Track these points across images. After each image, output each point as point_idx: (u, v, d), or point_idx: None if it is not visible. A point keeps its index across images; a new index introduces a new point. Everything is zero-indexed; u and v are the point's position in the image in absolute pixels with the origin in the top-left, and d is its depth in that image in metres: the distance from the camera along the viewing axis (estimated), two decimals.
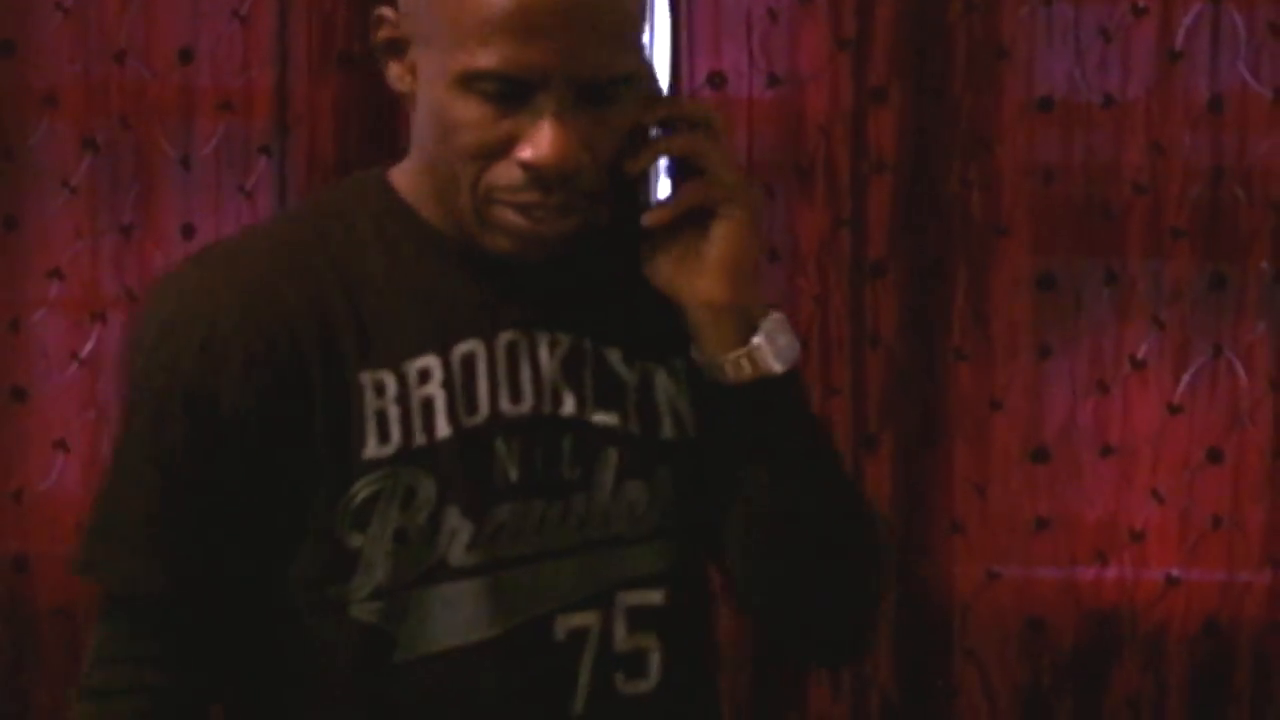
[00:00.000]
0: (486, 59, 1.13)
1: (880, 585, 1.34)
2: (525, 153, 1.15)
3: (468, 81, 1.14)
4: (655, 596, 1.27)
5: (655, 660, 1.28)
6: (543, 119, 1.14)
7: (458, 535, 1.21)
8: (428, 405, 1.21)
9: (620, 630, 1.26)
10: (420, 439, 1.21)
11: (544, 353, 1.24)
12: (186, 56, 2.88)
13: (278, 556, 1.22)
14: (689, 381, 1.29)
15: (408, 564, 1.20)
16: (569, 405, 1.25)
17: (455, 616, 1.21)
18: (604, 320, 1.27)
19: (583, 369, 1.26)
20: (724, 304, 1.22)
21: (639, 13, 1.19)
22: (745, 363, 1.22)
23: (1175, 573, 2.90)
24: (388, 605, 1.21)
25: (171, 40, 2.88)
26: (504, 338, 1.24)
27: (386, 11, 1.23)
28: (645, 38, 1.23)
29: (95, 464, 2.94)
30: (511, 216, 1.18)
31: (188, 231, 2.90)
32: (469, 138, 1.16)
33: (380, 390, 1.21)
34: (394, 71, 1.23)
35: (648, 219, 1.21)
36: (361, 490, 1.20)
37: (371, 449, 1.20)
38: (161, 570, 1.21)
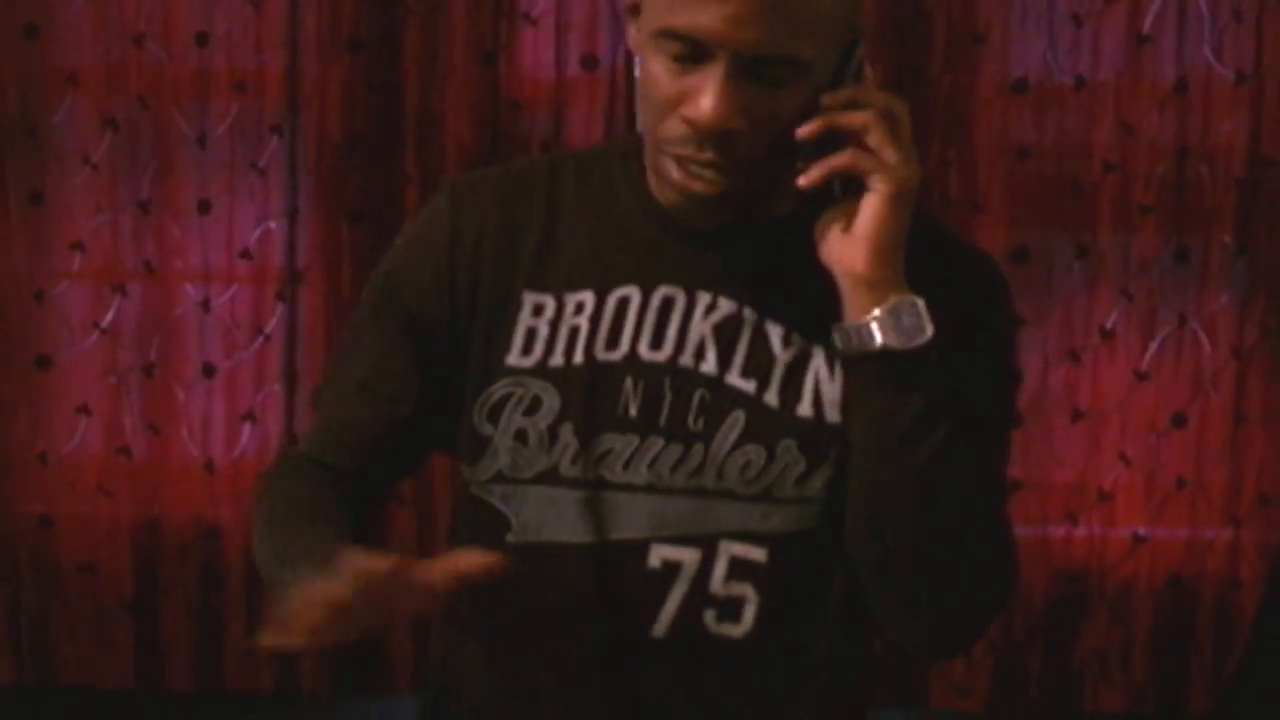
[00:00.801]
0: (673, 19, 1.22)
1: (984, 593, 1.31)
2: (688, 109, 1.23)
3: (659, 39, 1.24)
4: (758, 553, 1.33)
5: (751, 610, 1.34)
6: (709, 81, 1.22)
7: (568, 449, 1.34)
8: (574, 333, 1.35)
9: (719, 574, 1.34)
10: (557, 360, 1.35)
11: (699, 312, 1.34)
12: (202, 39, 2.96)
13: (441, 430, 1.40)
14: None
15: (526, 461, 1.35)
16: (709, 364, 1.34)
17: (557, 516, 1.35)
18: (773, 297, 1.34)
19: (737, 336, 1.34)
20: (861, 274, 1.24)
21: (832, 8, 1.22)
22: (858, 334, 1.25)
23: (1141, 531, 3.00)
24: (507, 491, 1.36)
25: (188, 24, 2.97)
26: (662, 290, 1.35)
27: None
28: (843, 36, 1.24)
29: (116, 428, 3.05)
30: (672, 169, 1.27)
31: (203, 206, 3.00)
32: (654, 90, 1.26)
33: (538, 311, 1.37)
34: (630, 32, 1.34)
35: (801, 179, 1.25)
36: (498, 390, 1.36)
37: (513, 358, 1.36)
38: (354, 410, 1.42)
